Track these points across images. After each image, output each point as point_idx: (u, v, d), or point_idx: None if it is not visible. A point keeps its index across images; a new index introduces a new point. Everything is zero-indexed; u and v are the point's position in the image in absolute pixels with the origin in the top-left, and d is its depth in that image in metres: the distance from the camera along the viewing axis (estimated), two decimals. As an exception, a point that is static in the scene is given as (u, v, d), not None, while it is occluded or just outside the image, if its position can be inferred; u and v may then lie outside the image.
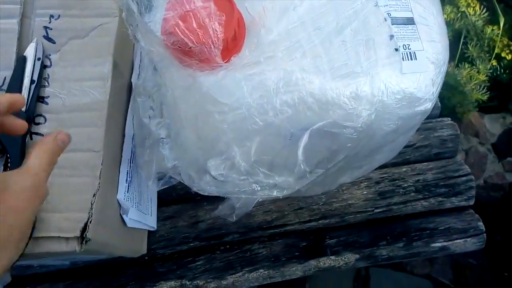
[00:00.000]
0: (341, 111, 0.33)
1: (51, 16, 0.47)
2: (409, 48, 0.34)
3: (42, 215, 0.39)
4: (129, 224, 0.49)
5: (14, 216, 0.24)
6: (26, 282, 0.56)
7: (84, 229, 0.38)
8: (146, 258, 0.59)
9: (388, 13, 0.35)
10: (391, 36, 0.34)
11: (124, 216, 0.48)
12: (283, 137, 0.33)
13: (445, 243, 0.62)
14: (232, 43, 0.32)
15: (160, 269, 0.59)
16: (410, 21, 0.35)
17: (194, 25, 0.30)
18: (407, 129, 0.38)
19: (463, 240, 0.63)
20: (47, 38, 0.46)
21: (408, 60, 0.34)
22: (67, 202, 0.39)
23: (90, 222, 0.38)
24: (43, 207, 0.39)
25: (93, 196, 0.39)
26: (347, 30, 0.33)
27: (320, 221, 0.62)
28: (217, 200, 0.58)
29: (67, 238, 0.38)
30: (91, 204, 0.39)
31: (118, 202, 0.47)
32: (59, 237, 0.38)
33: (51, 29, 0.47)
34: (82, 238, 0.38)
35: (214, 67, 0.32)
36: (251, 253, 0.60)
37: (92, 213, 0.38)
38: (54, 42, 0.46)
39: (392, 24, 0.35)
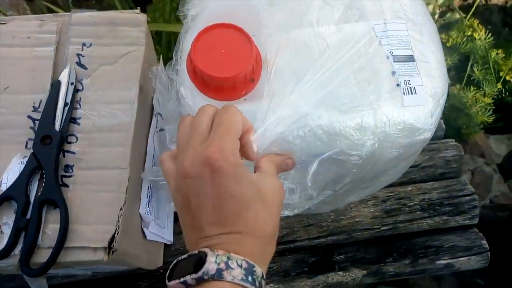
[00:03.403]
0: (347, 141, 0.36)
1: (84, 44, 0.52)
2: (410, 83, 0.38)
3: (74, 227, 0.42)
4: (149, 237, 0.52)
5: (278, 209, 0.28)
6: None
7: (111, 240, 0.41)
8: (162, 271, 0.61)
9: (390, 52, 0.38)
10: (393, 73, 0.38)
11: (144, 229, 0.51)
12: (296, 163, 0.37)
13: (450, 261, 0.64)
14: (250, 77, 0.36)
15: (175, 281, 0.61)
16: (410, 59, 0.39)
17: (219, 61, 0.34)
18: (408, 155, 0.41)
19: (467, 258, 0.65)
20: (80, 64, 0.51)
21: (409, 94, 0.38)
22: (96, 215, 0.43)
23: (117, 233, 0.42)
24: (75, 220, 0.43)
25: (120, 209, 0.43)
26: (352, 67, 0.37)
27: (328, 238, 0.64)
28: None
29: (95, 248, 0.42)
30: (118, 217, 0.42)
31: (140, 216, 0.50)
32: (88, 247, 0.41)
33: (83, 56, 0.51)
34: (109, 248, 0.41)
35: (234, 98, 0.36)
36: (261, 267, 0.63)
37: (119, 226, 0.42)
38: (86, 68, 0.51)
39: (394, 62, 0.38)
